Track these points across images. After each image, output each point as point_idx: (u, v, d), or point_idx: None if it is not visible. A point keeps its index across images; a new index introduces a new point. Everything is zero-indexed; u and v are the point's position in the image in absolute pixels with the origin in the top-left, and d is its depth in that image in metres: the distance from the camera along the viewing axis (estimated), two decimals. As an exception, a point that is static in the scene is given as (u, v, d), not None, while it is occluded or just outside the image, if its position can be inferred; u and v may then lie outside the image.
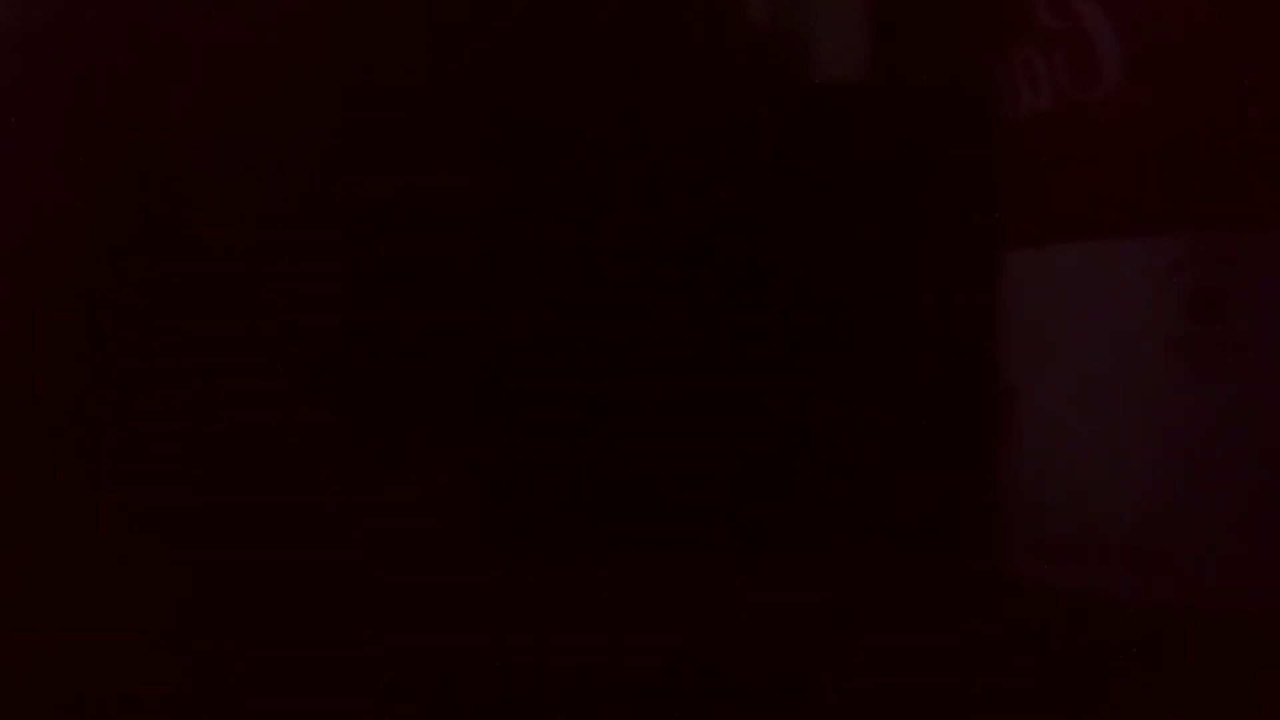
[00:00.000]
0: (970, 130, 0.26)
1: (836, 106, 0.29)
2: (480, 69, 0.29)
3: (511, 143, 0.29)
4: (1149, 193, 0.21)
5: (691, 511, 0.29)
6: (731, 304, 0.29)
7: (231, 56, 0.29)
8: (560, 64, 0.29)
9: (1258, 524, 0.20)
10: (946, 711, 0.24)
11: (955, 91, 0.28)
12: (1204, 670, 0.20)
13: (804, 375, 0.29)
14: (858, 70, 0.30)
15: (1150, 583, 0.21)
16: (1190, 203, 0.21)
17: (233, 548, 0.28)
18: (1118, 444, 0.21)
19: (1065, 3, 0.22)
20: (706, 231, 0.29)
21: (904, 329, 0.29)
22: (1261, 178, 0.20)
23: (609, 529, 0.29)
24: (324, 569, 0.27)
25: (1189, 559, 0.21)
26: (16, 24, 0.29)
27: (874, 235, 0.29)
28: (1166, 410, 0.21)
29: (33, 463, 0.29)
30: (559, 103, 0.29)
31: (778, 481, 0.29)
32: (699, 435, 0.29)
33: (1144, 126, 0.21)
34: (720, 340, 0.29)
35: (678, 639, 0.26)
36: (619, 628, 0.26)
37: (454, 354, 0.29)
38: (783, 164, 0.29)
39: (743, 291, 0.29)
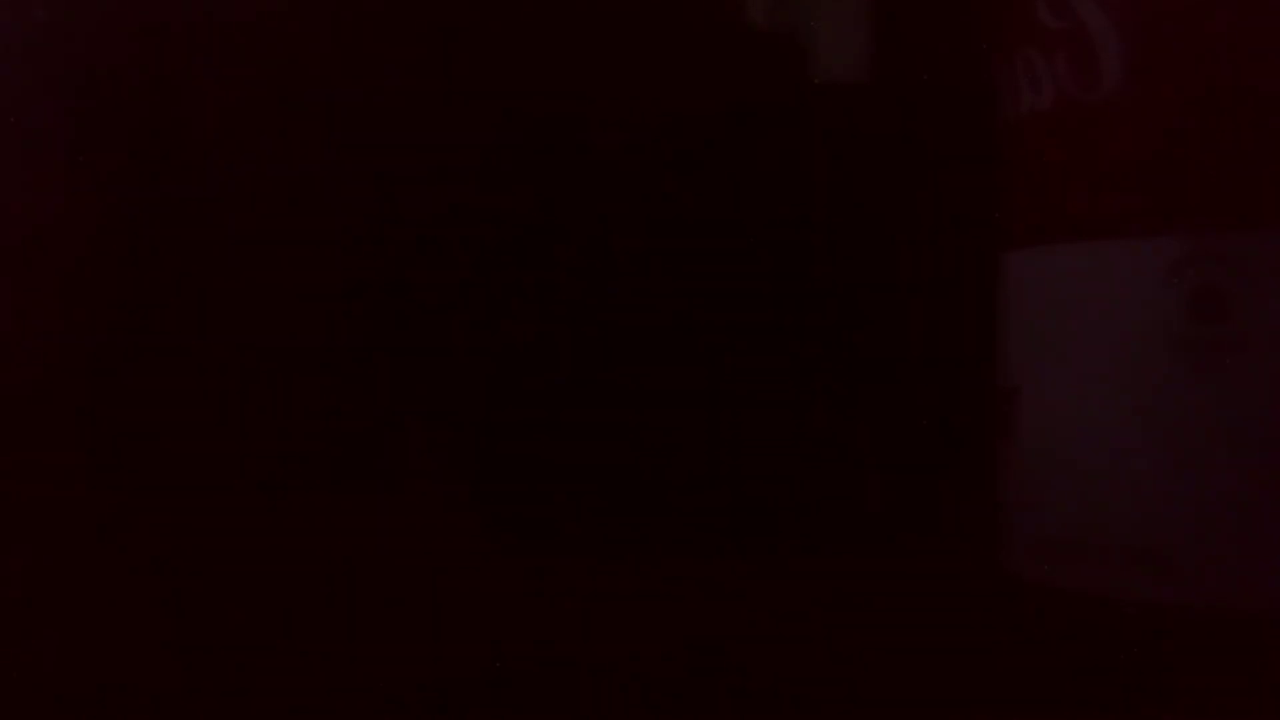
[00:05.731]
0: (970, 130, 0.26)
1: (836, 106, 0.29)
2: (478, 69, 0.29)
3: (510, 145, 0.29)
4: (1149, 193, 0.21)
5: (692, 512, 0.29)
6: (731, 304, 0.29)
7: (237, 54, 0.29)
8: (559, 63, 0.29)
9: (1258, 524, 0.20)
10: (946, 711, 0.24)
11: (955, 91, 0.28)
12: (1204, 670, 0.20)
13: (804, 376, 0.29)
14: (858, 70, 0.30)
15: (1150, 583, 0.21)
16: (1190, 203, 0.21)
17: (235, 551, 0.28)
18: (1118, 444, 0.21)
19: (1065, 3, 0.22)
20: (706, 232, 0.29)
21: (904, 329, 0.29)
22: (1261, 178, 0.20)
23: (608, 530, 0.29)
24: (325, 570, 0.27)
25: (1189, 559, 0.21)
26: (18, 22, 0.29)
27: (874, 235, 0.29)
28: (1167, 410, 0.21)
29: (30, 466, 0.29)
30: (557, 102, 0.29)
31: (778, 482, 0.29)
32: (700, 436, 0.29)
33: (1144, 126, 0.21)
34: (719, 340, 0.29)
35: (676, 639, 0.26)
36: (618, 628, 0.26)
37: (455, 354, 0.29)
38: (783, 164, 0.29)
39: (742, 292, 0.29)
